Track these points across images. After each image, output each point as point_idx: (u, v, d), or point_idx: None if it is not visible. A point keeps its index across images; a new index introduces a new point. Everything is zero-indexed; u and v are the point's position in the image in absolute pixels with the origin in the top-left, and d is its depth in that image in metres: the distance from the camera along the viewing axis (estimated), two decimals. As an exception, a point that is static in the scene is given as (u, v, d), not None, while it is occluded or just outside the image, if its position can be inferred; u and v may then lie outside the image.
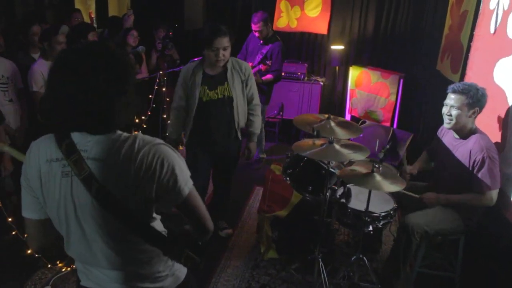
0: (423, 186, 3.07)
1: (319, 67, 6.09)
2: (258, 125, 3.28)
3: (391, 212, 2.82)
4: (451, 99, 2.68)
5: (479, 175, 2.60)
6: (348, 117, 5.73)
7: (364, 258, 2.88)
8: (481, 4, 3.36)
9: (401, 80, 5.14)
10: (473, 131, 2.72)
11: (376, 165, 2.57)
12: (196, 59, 3.26)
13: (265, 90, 4.69)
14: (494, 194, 2.62)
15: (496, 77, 2.93)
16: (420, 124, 5.13)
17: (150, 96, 4.55)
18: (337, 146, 2.55)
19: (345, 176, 2.65)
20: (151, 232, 1.38)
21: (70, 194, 1.31)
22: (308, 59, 6.02)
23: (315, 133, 2.84)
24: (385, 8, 5.59)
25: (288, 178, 2.94)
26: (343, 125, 2.88)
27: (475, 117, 2.69)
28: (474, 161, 2.62)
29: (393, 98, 5.16)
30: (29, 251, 2.70)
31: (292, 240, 3.24)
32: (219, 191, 3.51)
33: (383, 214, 2.77)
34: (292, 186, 2.98)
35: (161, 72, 4.66)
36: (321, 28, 5.79)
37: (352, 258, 2.90)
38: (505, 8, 2.90)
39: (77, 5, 5.88)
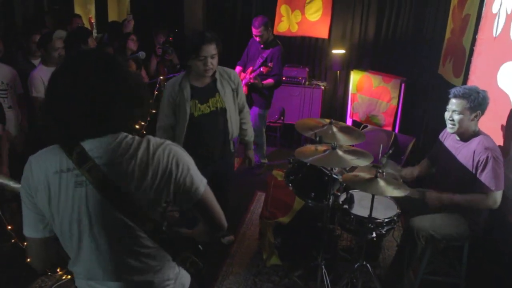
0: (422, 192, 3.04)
1: (320, 71, 6.07)
2: (251, 132, 3.21)
3: (395, 218, 2.78)
4: (453, 104, 2.68)
5: (483, 175, 2.58)
6: (349, 121, 5.71)
7: (368, 265, 2.85)
8: (484, 8, 3.34)
9: (403, 84, 5.12)
10: (476, 133, 2.71)
11: (380, 171, 2.55)
12: (177, 74, 3.11)
13: (266, 94, 4.68)
14: (498, 195, 2.59)
15: (499, 81, 2.91)
16: (422, 128, 5.10)
17: (150, 101, 4.52)
18: (340, 152, 2.52)
19: (348, 181, 2.62)
20: (165, 236, 1.36)
21: (85, 205, 1.26)
22: (309, 63, 6.00)
23: (317, 138, 2.82)
24: (386, 12, 5.57)
25: (290, 185, 2.91)
26: (345, 130, 2.86)
27: (478, 120, 2.67)
28: (478, 161, 2.60)
29: (394, 102, 5.14)
30: (28, 259, 2.67)
31: (295, 247, 3.21)
32: None
33: (386, 220, 2.74)
34: (295, 192, 2.94)
35: (161, 77, 4.63)
36: (322, 32, 5.77)
37: (356, 265, 2.87)
38: (508, 12, 2.88)
39: (77, 10, 5.89)
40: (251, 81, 4.52)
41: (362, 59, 5.81)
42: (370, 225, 2.68)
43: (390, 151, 2.94)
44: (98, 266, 1.34)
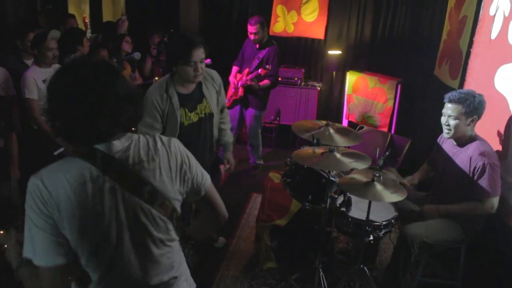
0: (423, 196, 3.03)
1: (316, 72, 6.05)
2: (230, 132, 3.11)
3: (392, 220, 2.77)
4: (448, 109, 2.65)
5: (480, 182, 2.56)
6: (345, 122, 5.70)
7: (365, 268, 2.83)
8: (481, 10, 3.34)
9: (399, 86, 5.12)
10: (473, 138, 2.69)
11: (377, 174, 2.53)
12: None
13: (261, 96, 4.65)
14: (495, 201, 2.58)
15: (497, 84, 2.90)
16: (418, 129, 5.10)
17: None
18: (338, 155, 2.50)
19: (346, 185, 2.59)
20: (183, 228, 1.44)
21: (123, 209, 1.26)
22: (305, 64, 5.98)
23: (315, 141, 2.79)
24: (382, 12, 5.56)
25: (287, 187, 2.89)
26: (342, 132, 2.84)
27: (474, 124, 2.65)
28: (475, 167, 2.59)
29: (390, 103, 5.14)
30: None
31: (292, 250, 3.19)
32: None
33: (384, 223, 2.73)
34: (292, 195, 2.92)
35: (156, 78, 4.59)
36: (318, 33, 5.75)
37: (353, 269, 2.85)
38: (506, 15, 2.87)
39: (71, 10, 5.83)
40: (248, 82, 4.49)
41: (358, 60, 5.79)
42: (367, 228, 2.67)
43: (387, 153, 2.93)
44: (136, 270, 1.33)
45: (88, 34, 5.72)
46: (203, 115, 2.72)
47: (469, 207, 2.62)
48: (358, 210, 2.84)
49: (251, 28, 4.43)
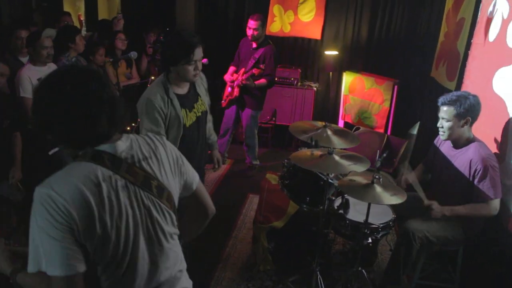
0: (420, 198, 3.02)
1: (312, 72, 6.03)
2: (213, 130, 3.03)
3: (390, 223, 2.77)
4: (442, 112, 2.68)
5: (482, 185, 2.56)
6: (341, 123, 5.69)
7: (363, 270, 2.82)
8: (479, 12, 3.34)
9: (395, 87, 5.11)
10: (471, 140, 2.69)
11: (376, 176, 2.52)
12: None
13: (258, 95, 4.62)
14: (497, 202, 2.59)
15: (495, 87, 2.90)
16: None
17: None
18: (336, 157, 2.48)
19: (345, 187, 2.58)
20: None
21: (136, 206, 1.30)
22: (301, 64, 5.96)
23: (313, 142, 2.78)
24: (379, 13, 5.56)
25: (285, 189, 2.87)
26: (340, 133, 2.83)
27: (470, 126, 2.65)
28: (475, 170, 2.59)
29: (387, 104, 5.13)
30: None
31: (289, 251, 3.17)
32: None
33: (382, 225, 2.72)
34: (289, 197, 2.91)
35: (152, 77, 4.57)
36: (315, 33, 5.73)
37: (351, 271, 2.84)
38: (505, 17, 2.87)
39: (66, 7, 5.77)
40: (244, 82, 4.46)
41: (354, 60, 5.79)
42: (366, 230, 2.66)
43: (385, 155, 2.92)
44: (149, 267, 1.35)
45: (83, 32, 5.66)
46: (199, 114, 2.69)
47: (474, 208, 2.62)
48: (356, 212, 2.83)
49: (252, 23, 4.37)
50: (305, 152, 2.63)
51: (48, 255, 1.17)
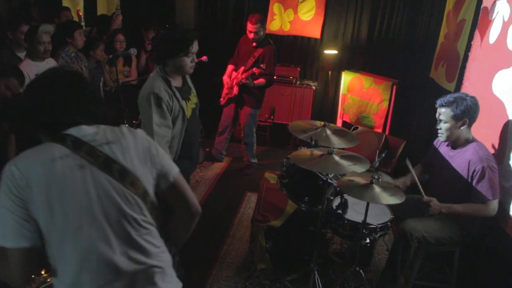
0: (419, 198, 3.02)
1: (311, 71, 6.02)
2: None
3: (388, 223, 2.77)
4: (439, 113, 2.70)
5: (480, 185, 2.57)
6: (339, 122, 5.69)
7: (361, 271, 2.83)
8: (480, 14, 3.34)
9: (394, 87, 5.11)
10: (470, 140, 2.71)
11: (376, 176, 2.52)
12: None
13: (257, 94, 4.61)
14: (495, 204, 2.60)
15: (495, 89, 2.90)
16: (412, 131, 5.11)
17: None
18: (336, 157, 2.48)
19: (344, 187, 2.58)
20: (160, 215, 1.48)
21: (93, 186, 1.31)
22: (300, 63, 5.95)
23: (313, 142, 2.78)
24: (379, 13, 5.55)
25: (284, 188, 2.87)
26: (339, 133, 2.83)
27: (468, 127, 2.66)
28: (474, 171, 2.59)
29: (385, 104, 5.13)
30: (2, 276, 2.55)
31: (287, 251, 3.17)
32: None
33: (380, 225, 2.72)
34: (288, 196, 2.90)
35: (151, 74, 4.53)
36: (314, 32, 5.73)
37: (348, 272, 2.84)
38: (505, 19, 2.87)
39: (65, 2, 5.74)
40: (243, 81, 4.45)
41: (354, 60, 5.78)
42: (364, 230, 2.66)
43: (383, 154, 2.92)
44: (112, 252, 1.32)
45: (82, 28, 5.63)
46: (194, 105, 2.71)
47: (472, 208, 2.63)
48: (354, 212, 2.83)
49: (251, 27, 4.37)
50: (305, 152, 2.63)
51: (1, 226, 1.25)
